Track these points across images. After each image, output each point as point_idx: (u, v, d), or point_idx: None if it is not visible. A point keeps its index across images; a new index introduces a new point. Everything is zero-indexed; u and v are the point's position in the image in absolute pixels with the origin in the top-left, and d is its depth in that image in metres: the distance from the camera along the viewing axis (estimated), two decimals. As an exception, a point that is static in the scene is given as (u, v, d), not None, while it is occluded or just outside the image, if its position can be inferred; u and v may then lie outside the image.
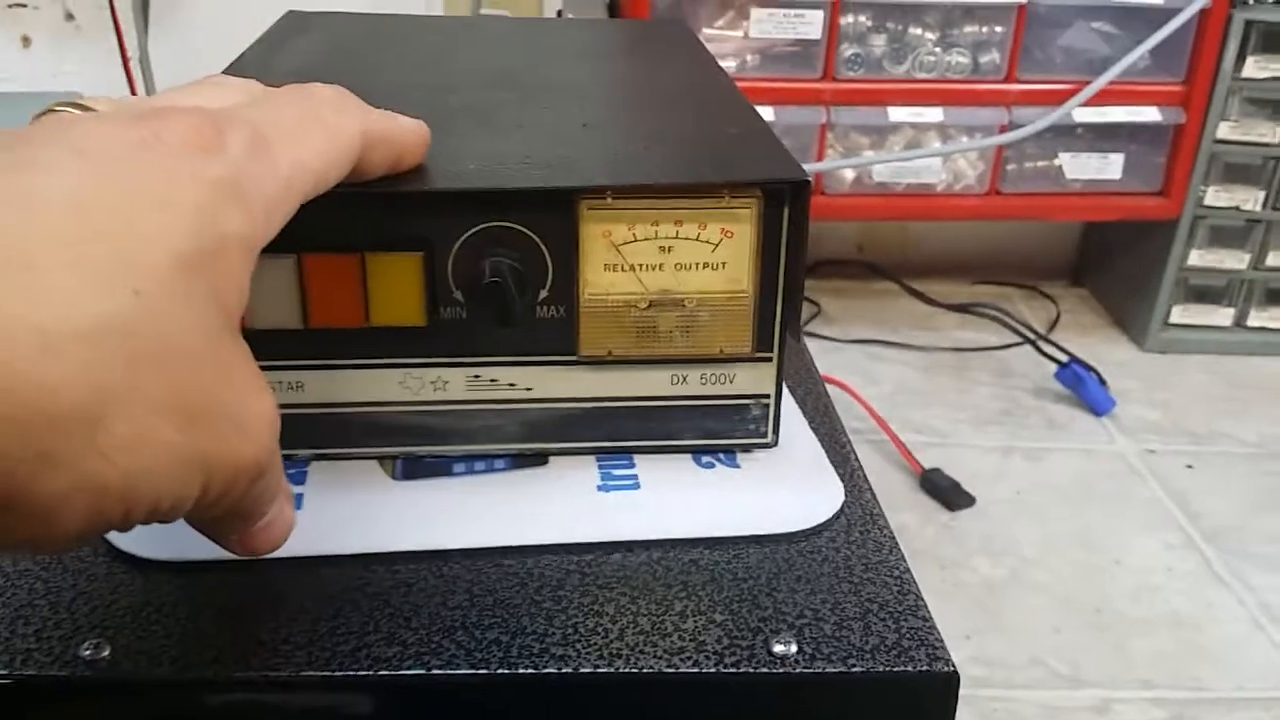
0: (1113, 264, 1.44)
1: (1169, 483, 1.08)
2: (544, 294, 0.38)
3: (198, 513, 0.27)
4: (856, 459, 0.45)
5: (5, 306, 0.21)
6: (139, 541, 0.37)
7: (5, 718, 0.33)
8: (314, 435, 0.40)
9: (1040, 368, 1.26)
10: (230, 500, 0.27)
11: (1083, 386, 1.20)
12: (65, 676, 0.32)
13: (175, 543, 0.37)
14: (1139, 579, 0.94)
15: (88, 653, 0.33)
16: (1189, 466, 1.11)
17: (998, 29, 1.17)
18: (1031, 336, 1.30)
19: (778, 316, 0.40)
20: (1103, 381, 1.21)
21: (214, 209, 0.26)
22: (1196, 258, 1.30)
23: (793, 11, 1.12)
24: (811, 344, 1.31)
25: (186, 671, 0.33)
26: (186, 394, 0.25)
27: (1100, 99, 1.17)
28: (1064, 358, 1.23)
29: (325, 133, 0.31)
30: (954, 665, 0.34)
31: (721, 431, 0.42)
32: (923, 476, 1.05)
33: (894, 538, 0.40)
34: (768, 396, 0.41)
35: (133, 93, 1.14)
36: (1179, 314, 1.33)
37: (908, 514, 1.01)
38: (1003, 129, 1.19)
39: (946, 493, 1.03)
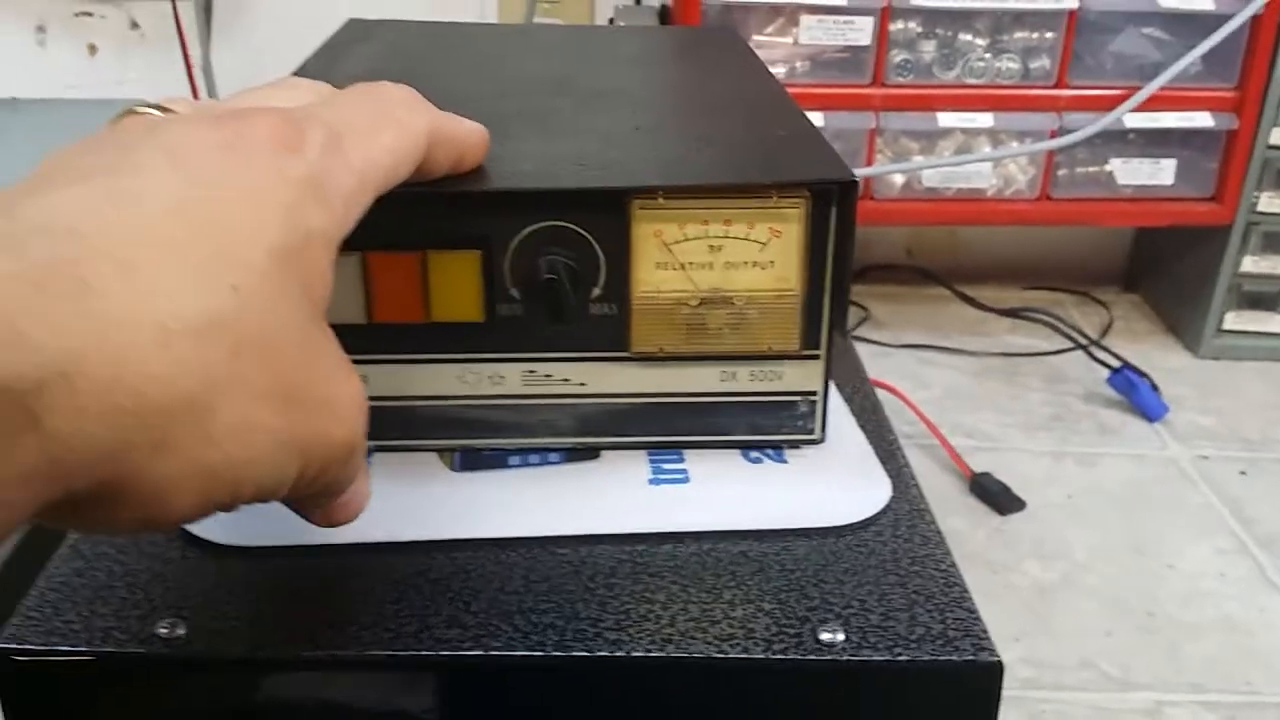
0: (1165, 270, 1.43)
1: (1222, 489, 1.07)
2: (597, 291, 0.40)
3: (294, 492, 0.29)
4: (903, 456, 0.46)
5: (123, 305, 0.23)
6: (212, 528, 0.38)
7: (86, 693, 0.35)
8: (376, 428, 0.41)
9: (1092, 373, 1.25)
10: (324, 479, 0.29)
11: (1135, 392, 1.19)
12: (143, 653, 0.34)
13: (246, 529, 0.38)
14: (1191, 583, 0.93)
15: (164, 631, 0.34)
16: (1242, 473, 1.10)
17: (1048, 35, 1.16)
18: (1084, 342, 1.29)
19: (825, 315, 0.41)
20: (1155, 387, 1.20)
21: (299, 207, 0.27)
22: (1250, 264, 1.28)
23: (843, 18, 1.12)
24: (861, 349, 1.31)
25: (257, 650, 0.34)
26: (284, 381, 0.26)
27: (1152, 104, 1.17)
28: (1116, 363, 1.22)
29: (395, 130, 0.32)
30: (998, 655, 0.35)
31: (769, 427, 0.43)
32: (973, 481, 1.05)
33: (940, 532, 0.41)
34: (815, 393, 0.42)
35: (196, 98, 1.16)
36: (1232, 320, 1.32)
37: (958, 518, 1.01)
38: (1053, 134, 1.19)
39: (997, 497, 1.03)
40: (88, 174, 0.25)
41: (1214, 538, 1.00)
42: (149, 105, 0.32)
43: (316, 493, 0.30)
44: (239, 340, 0.25)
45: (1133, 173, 1.25)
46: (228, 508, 0.27)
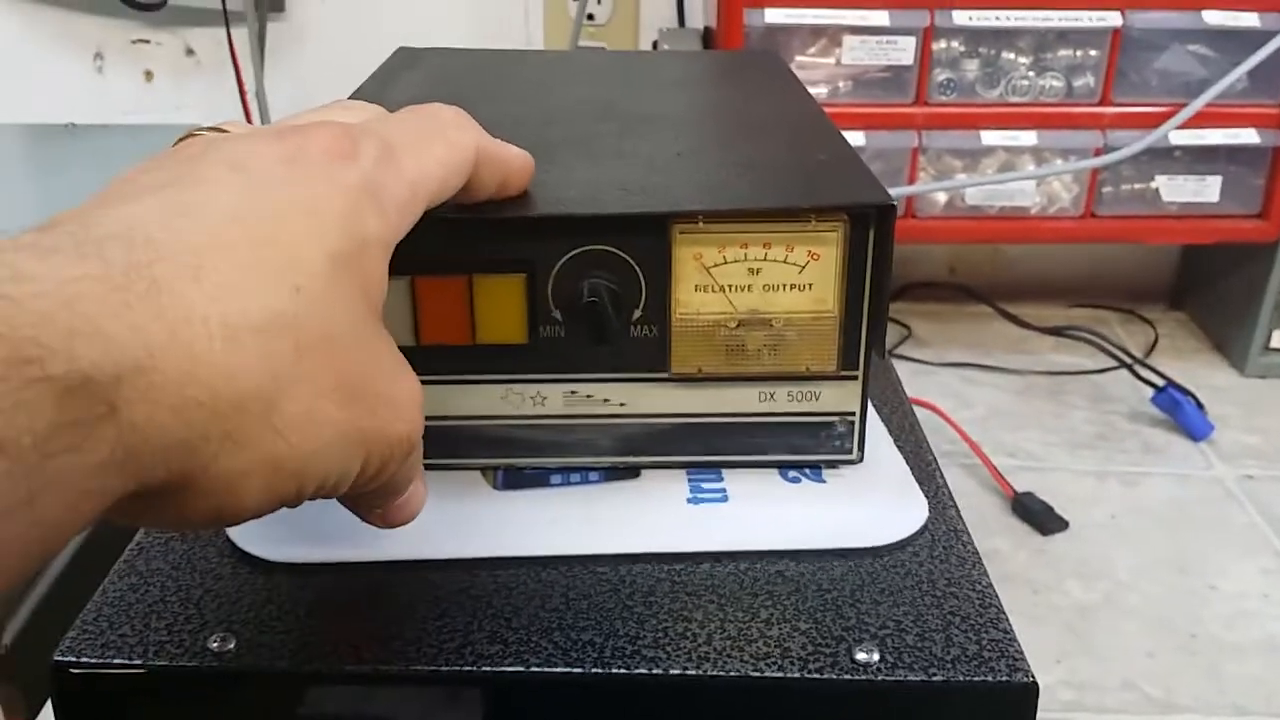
0: (1212, 287, 1.42)
1: (1268, 509, 1.06)
2: (638, 314, 0.40)
3: (355, 489, 0.30)
4: (942, 476, 0.46)
5: (192, 305, 0.24)
6: (261, 544, 0.39)
7: (139, 705, 0.36)
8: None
9: (1137, 392, 1.25)
10: (385, 475, 0.30)
11: (1180, 411, 1.18)
12: (195, 667, 0.35)
13: (294, 546, 0.39)
14: (1234, 604, 0.92)
15: (215, 645, 0.35)
16: (1290, 493, 1.09)
17: (1092, 53, 1.16)
18: (1128, 360, 1.28)
19: (863, 336, 0.41)
20: (1201, 406, 1.19)
21: (356, 213, 0.28)
22: (1299, 281, 1.27)
23: (885, 38, 1.13)
24: (903, 367, 1.31)
25: (305, 664, 0.35)
26: (346, 376, 0.27)
27: (1197, 121, 1.16)
28: (1161, 382, 1.21)
29: (445, 144, 0.33)
30: (1033, 676, 0.35)
31: (807, 447, 0.43)
32: (1015, 500, 1.05)
33: (977, 553, 0.41)
34: (853, 414, 0.43)
35: (249, 123, 1.19)
36: (1279, 338, 1.30)
37: (1000, 538, 1.01)
38: (1097, 152, 1.18)
39: (1039, 516, 1.02)
40: (156, 188, 0.27)
41: (1258, 558, 0.99)
42: (209, 128, 0.34)
43: (377, 490, 0.31)
44: (302, 338, 0.26)
45: (1178, 190, 1.24)
46: (294, 502, 0.28)
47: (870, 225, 0.39)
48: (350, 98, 0.52)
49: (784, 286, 0.40)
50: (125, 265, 0.24)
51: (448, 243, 0.37)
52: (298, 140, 0.29)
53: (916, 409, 1.12)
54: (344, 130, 0.30)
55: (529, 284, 0.39)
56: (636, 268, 0.40)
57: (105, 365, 0.23)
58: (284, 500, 0.28)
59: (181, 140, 0.34)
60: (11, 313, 0.22)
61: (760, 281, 0.39)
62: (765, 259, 0.39)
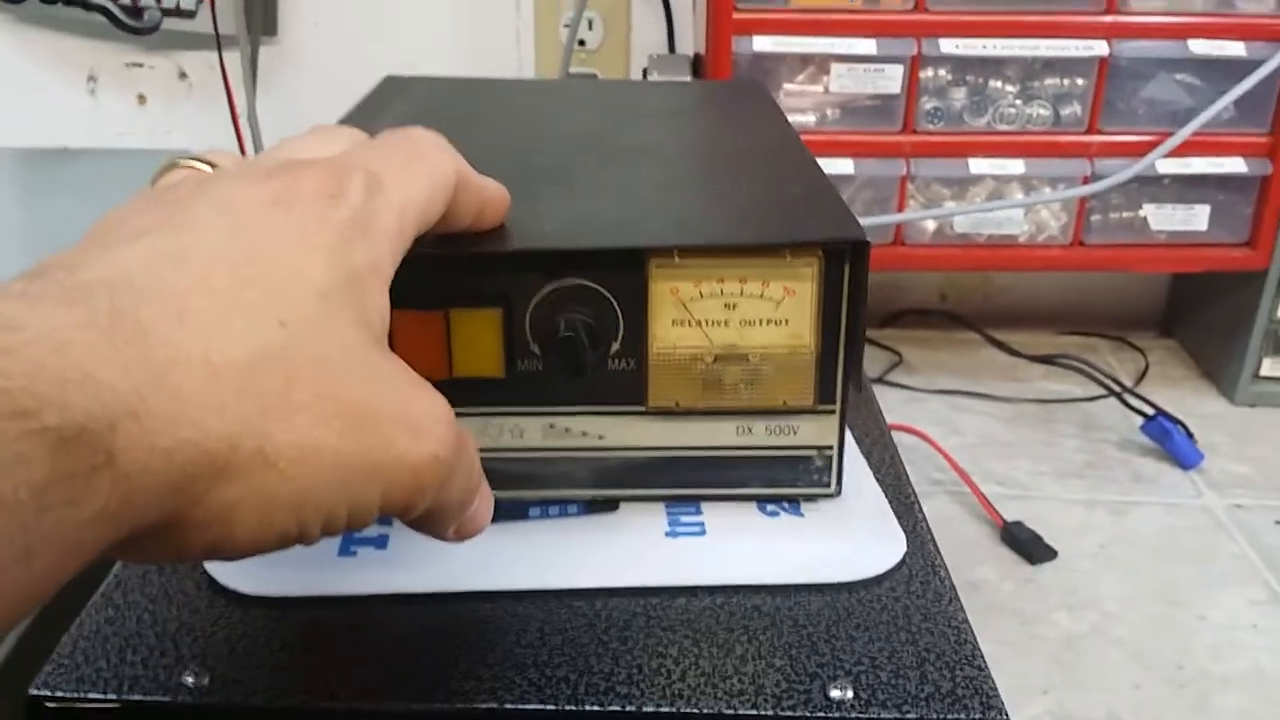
0: (1202, 316, 1.42)
1: (1257, 538, 1.06)
2: (615, 347, 0.40)
3: (403, 516, 0.30)
4: (921, 510, 0.46)
5: (178, 347, 0.24)
6: (238, 578, 0.39)
7: (112, 739, 0.36)
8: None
9: (1126, 420, 1.24)
10: (424, 502, 0.29)
11: (1169, 440, 1.18)
12: (169, 701, 0.35)
13: (270, 579, 0.39)
14: (1223, 635, 0.92)
15: (190, 680, 0.35)
16: (1277, 522, 1.09)
17: (1079, 81, 1.17)
18: (1118, 389, 1.28)
19: (840, 370, 0.41)
20: (1190, 435, 1.19)
21: (343, 246, 0.29)
22: (1288, 309, 1.28)
23: (873, 66, 1.13)
24: (892, 394, 1.31)
25: (278, 700, 0.35)
26: (347, 405, 0.27)
27: (1185, 150, 1.17)
28: (1151, 410, 1.21)
29: (426, 169, 0.34)
30: (1007, 714, 0.35)
31: (785, 481, 0.43)
32: (1004, 529, 1.05)
33: (954, 588, 0.41)
34: (830, 447, 0.43)
35: (241, 146, 1.19)
36: (1269, 366, 1.30)
37: (988, 567, 1.01)
38: (1085, 180, 1.19)
39: (1028, 545, 1.02)
40: (143, 232, 0.27)
41: (1247, 588, 0.99)
42: (192, 159, 0.34)
43: (436, 511, 0.31)
44: (291, 369, 0.26)
45: (1166, 218, 1.24)
46: (303, 539, 0.27)
47: (845, 260, 0.39)
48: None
49: (760, 321, 0.40)
50: (110, 311, 0.24)
51: (425, 277, 0.37)
52: (286, 180, 0.29)
53: (906, 436, 1.12)
54: (330, 168, 0.30)
55: (506, 318, 0.39)
56: (614, 302, 0.40)
57: (99, 412, 0.23)
58: (285, 534, 0.27)
59: (165, 170, 0.34)
60: (6, 364, 0.22)
61: (737, 316, 0.40)
62: (741, 294, 0.39)
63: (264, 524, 0.26)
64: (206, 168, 0.34)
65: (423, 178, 0.33)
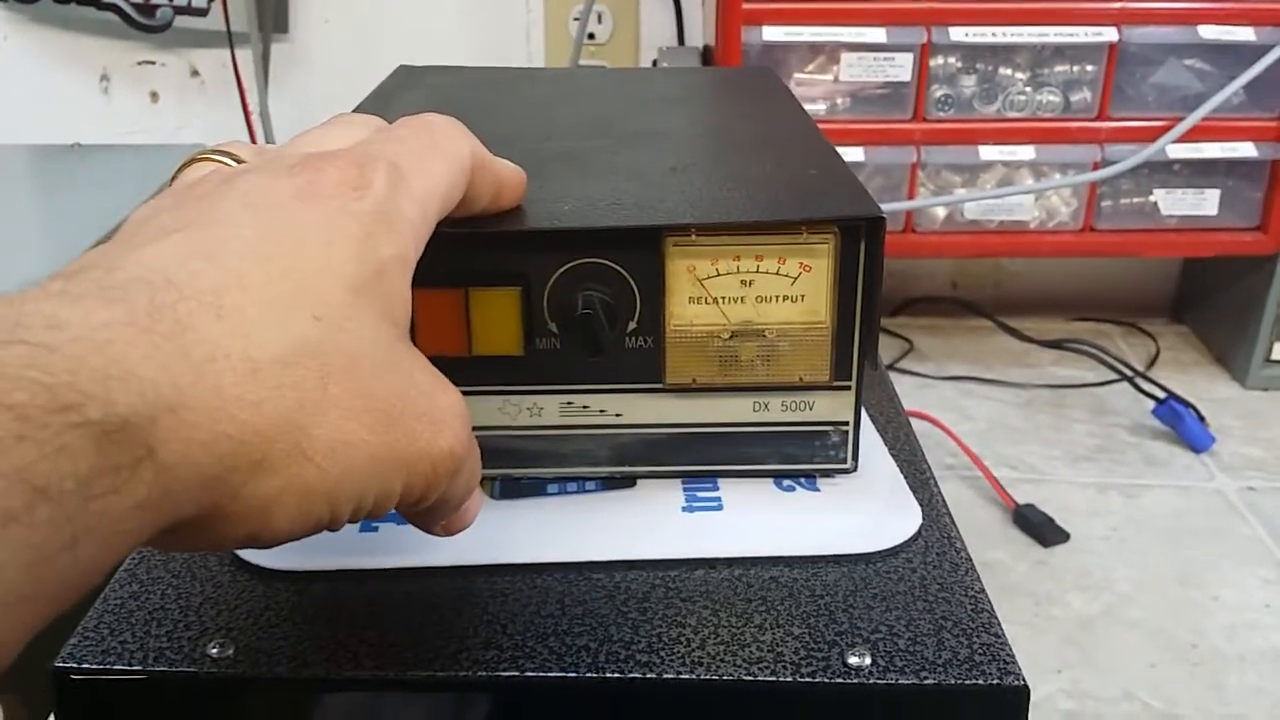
0: (1213, 300, 1.42)
1: (1270, 520, 1.06)
2: (632, 325, 0.41)
3: (412, 506, 0.31)
4: (936, 485, 0.47)
5: (216, 342, 0.25)
6: (260, 553, 0.40)
7: (139, 711, 0.37)
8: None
9: (1138, 404, 1.25)
10: (435, 492, 0.31)
11: (1181, 423, 1.19)
12: (194, 673, 0.35)
13: (292, 554, 0.40)
14: (1236, 616, 0.92)
15: (214, 651, 0.36)
16: (1291, 505, 1.09)
17: (1089, 68, 1.17)
18: (1129, 373, 1.28)
19: (855, 346, 0.42)
20: (1201, 418, 1.19)
21: (370, 239, 0.29)
22: (1299, 294, 1.27)
23: (883, 55, 1.13)
24: (905, 380, 1.31)
25: (303, 669, 0.35)
26: (375, 398, 0.28)
27: (1194, 135, 1.17)
28: (1162, 394, 1.21)
29: (443, 157, 0.34)
30: (1025, 679, 0.36)
31: (801, 457, 0.44)
32: (1016, 512, 1.05)
33: (970, 559, 0.42)
34: (846, 423, 0.43)
35: (253, 142, 1.20)
36: (1281, 350, 1.31)
37: (1000, 550, 1.01)
38: (1095, 166, 1.19)
39: (1040, 529, 1.03)
40: (175, 229, 0.28)
41: (1260, 569, 0.99)
42: (213, 153, 0.34)
43: (438, 504, 0.32)
44: (326, 364, 0.27)
45: (1176, 203, 1.24)
46: (332, 525, 0.28)
47: (861, 237, 0.40)
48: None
49: (777, 298, 0.40)
50: (149, 307, 0.25)
51: (444, 257, 0.38)
52: (310, 175, 0.30)
53: (918, 422, 1.12)
54: (353, 160, 0.31)
55: (524, 297, 0.40)
56: (631, 280, 0.40)
57: (140, 407, 0.23)
58: (319, 522, 0.28)
59: (186, 165, 0.34)
60: (49, 360, 0.22)
61: (753, 293, 0.40)
62: (758, 271, 0.40)
63: (301, 515, 0.27)
64: (229, 162, 0.34)
65: (442, 165, 0.34)
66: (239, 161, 0.34)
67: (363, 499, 0.28)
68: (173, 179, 0.34)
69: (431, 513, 0.33)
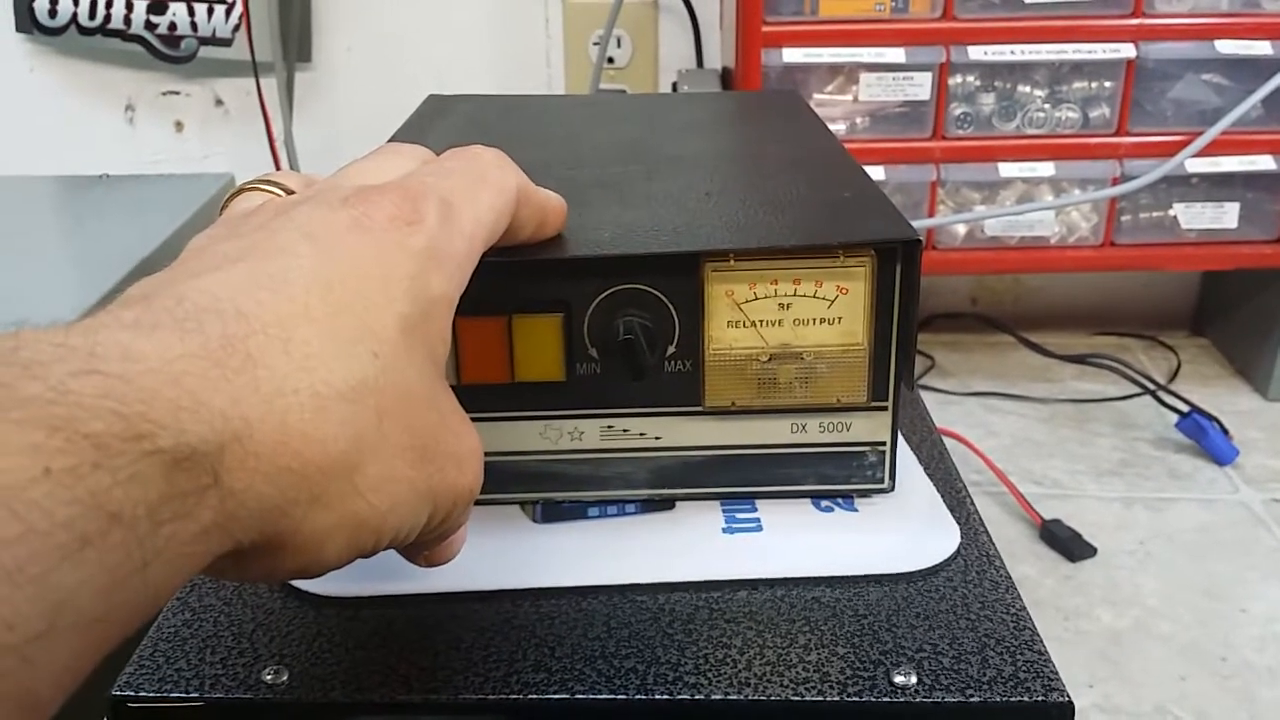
0: (1233, 313, 1.42)
1: (1297, 533, 1.06)
2: (672, 350, 0.41)
3: (424, 535, 0.31)
4: (972, 503, 0.47)
5: (285, 377, 0.26)
6: (311, 580, 0.40)
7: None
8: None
9: (1162, 418, 1.25)
10: (446, 525, 0.32)
11: (1205, 436, 1.18)
12: (250, 699, 0.36)
13: (342, 580, 0.40)
14: (1265, 628, 0.92)
15: (269, 677, 0.37)
16: (1318, 517, 1.09)
17: (1107, 84, 1.17)
18: (1151, 387, 1.28)
19: (892, 367, 0.42)
20: (1225, 431, 1.19)
21: (422, 276, 0.30)
22: (1320, 306, 1.27)
23: (902, 74, 1.14)
24: (927, 397, 1.32)
25: (357, 694, 0.36)
26: (419, 437, 0.29)
27: (1213, 149, 1.17)
28: (1185, 408, 1.21)
29: (491, 190, 0.35)
30: (1069, 696, 0.36)
31: (839, 477, 0.44)
32: (1043, 528, 1.05)
33: (1010, 577, 0.42)
34: (883, 444, 0.44)
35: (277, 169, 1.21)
36: (1303, 362, 1.30)
37: (1028, 565, 1.01)
38: (1115, 181, 1.19)
39: (1067, 543, 1.03)
40: (233, 258, 0.28)
41: (1290, 582, 0.99)
42: (263, 182, 0.35)
43: (436, 538, 0.33)
44: (382, 402, 0.28)
45: (1196, 217, 1.24)
46: (370, 554, 0.29)
47: (897, 260, 0.40)
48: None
49: (814, 321, 0.41)
50: (221, 339, 0.25)
51: (488, 284, 0.38)
52: (364, 207, 0.30)
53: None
54: (406, 194, 0.31)
55: (566, 323, 0.40)
56: (670, 305, 0.41)
57: (209, 437, 0.24)
58: (362, 553, 0.29)
59: (236, 195, 0.35)
60: (124, 391, 0.23)
61: (791, 316, 0.41)
62: (795, 294, 0.40)
63: (350, 547, 0.28)
64: (279, 192, 0.35)
65: (490, 197, 0.34)
66: (289, 192, 0.35)
67: (400, 530, 0.30)
68: (222, 208, 0.35)
69: (424, 544, 0.34)
